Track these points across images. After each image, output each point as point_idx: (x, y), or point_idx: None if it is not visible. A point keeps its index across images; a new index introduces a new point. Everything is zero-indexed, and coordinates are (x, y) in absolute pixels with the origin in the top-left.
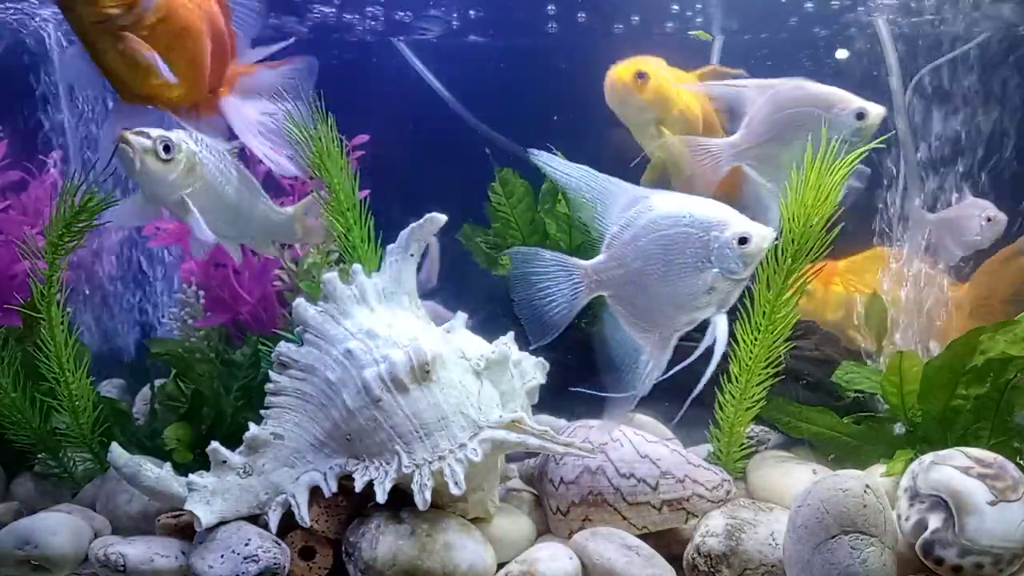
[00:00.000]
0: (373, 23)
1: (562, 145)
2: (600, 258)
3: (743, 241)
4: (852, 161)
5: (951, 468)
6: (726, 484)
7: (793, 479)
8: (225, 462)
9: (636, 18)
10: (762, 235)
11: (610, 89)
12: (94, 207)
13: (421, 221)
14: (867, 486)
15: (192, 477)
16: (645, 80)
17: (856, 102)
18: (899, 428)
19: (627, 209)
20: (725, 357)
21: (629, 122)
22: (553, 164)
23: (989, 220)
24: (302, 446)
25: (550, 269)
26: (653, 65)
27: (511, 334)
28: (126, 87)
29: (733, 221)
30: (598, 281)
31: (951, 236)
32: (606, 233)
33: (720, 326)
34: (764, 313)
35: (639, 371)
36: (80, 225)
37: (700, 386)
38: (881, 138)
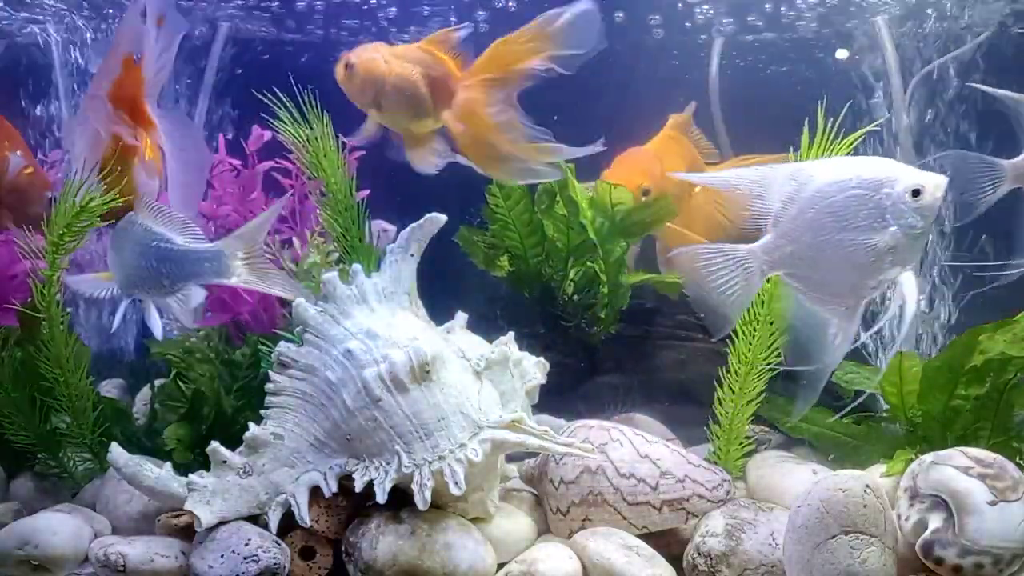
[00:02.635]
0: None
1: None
2: (767, 238)
3: (916, 193)
4: (849, 144)
5: (951, 468)
6: (726, 484)
7: (793, 479)
8: (225, 462)
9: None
10: (936, 183)
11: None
12: (94, 207)
13: (421, 221)
14: (867, 486)
15: (192, 477)
16: (352, 70)
17: None
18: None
19: (787, 184)
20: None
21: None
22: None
23: None
24: (302, 446)
25: (718, 260)
26: (364, 53)
27: (511, 334)
28: None
29: (902, 175)
30: (769, 262)
31: None
32: (768, 214)
33: (908, 284)
34: (763, 303)
35: (828, 344)
36: (80, 225)
37: (898, 343)
38: (872, 124)
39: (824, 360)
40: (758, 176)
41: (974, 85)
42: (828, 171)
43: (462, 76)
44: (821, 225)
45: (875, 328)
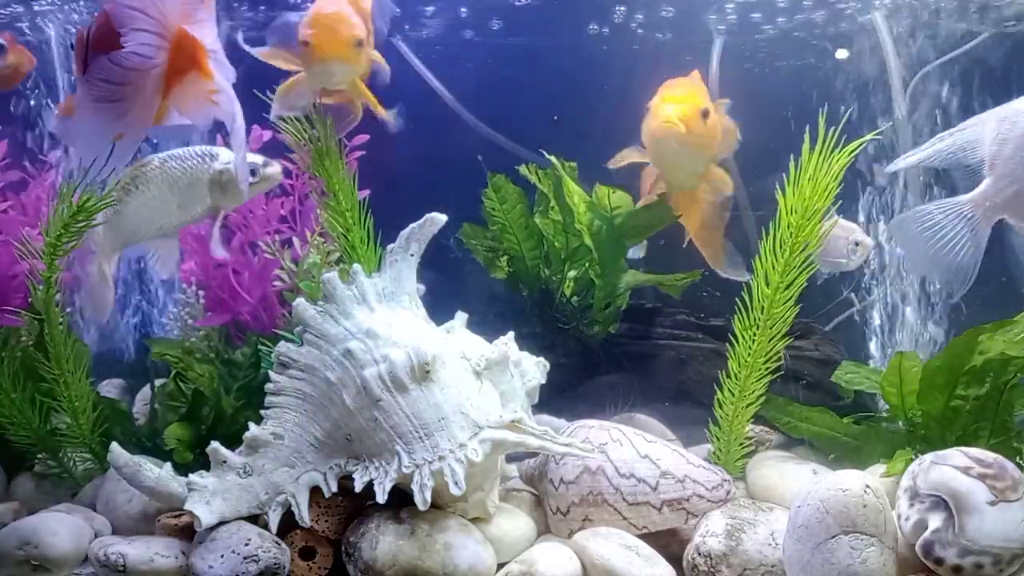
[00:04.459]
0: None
1: (563, 145)
2: (986, 183)
3: None
4: (852, 151)
5: (951, 468)
6: (726, 484)
7: (793, 479)
8: (225, 462)
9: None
10: None
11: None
12: (92, 207)
13: (421, 221)
14: (867, 486)
15: (192, 477)
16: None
17: None
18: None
19: (998, 126)
20: None
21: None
22: (907, 158)
23: (857, 244)
24: (302, 446)
25: (938, 218)
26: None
27: (511, 334)
28: None
29: None
30: (992, 207)
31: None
32: (983, 162)
33: None
34: (763, 308)
35: None
36: (78, 225)
37: None
38: (878, 131)
39: None
40: (964, 133)
41: None
42: None
43: None
44: None
45: None
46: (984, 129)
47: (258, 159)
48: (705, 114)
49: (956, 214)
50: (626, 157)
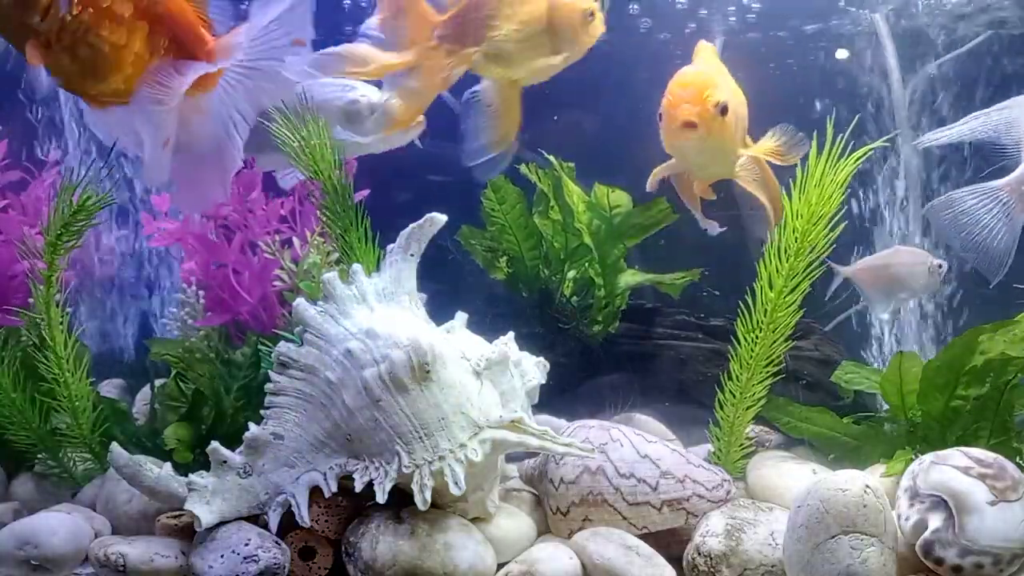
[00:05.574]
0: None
1: (563, 145)
2: (1022, 168)
3: None
4: (857, 159)
5: (951, 468)
6: (726, 484)
7: (793, 479)
8: (225, 462)
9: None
10: None
11: None
12: (91, 207)
13: (421, 221)
14: (867, 486)
15: (192, 477)
16: None
17: None
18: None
19: None
20: None
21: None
22: (939, 134)
23: (941, 266)
24: (302, 446)
25: (973, 203)
26: None
27: (511, 334)
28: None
29: None
30: None
31: (888, 284)
32: (1019, 144)
33: None
34: (765, 311)
35: None
36: (78, 224)
37: None
38: (885, 138)
39: None
40: (1001, 113)
41: None
42: None
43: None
44: None
45: None
46: (1022, 112)
47: (373, 93)
48: (723, 110)
49: (991, 199)
50: (659, 173)
